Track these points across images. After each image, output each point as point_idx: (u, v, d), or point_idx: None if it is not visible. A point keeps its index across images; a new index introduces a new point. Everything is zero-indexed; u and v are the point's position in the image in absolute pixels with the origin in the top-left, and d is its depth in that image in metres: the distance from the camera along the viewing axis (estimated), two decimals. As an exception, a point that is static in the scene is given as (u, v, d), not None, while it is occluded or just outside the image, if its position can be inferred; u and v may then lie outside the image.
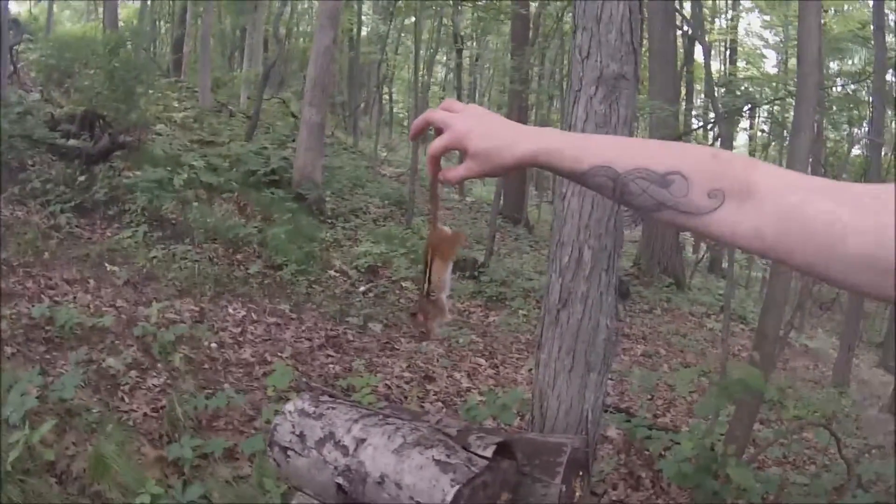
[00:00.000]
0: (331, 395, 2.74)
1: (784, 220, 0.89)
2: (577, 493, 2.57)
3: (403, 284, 9.86)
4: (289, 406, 2.62)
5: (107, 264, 7.66)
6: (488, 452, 2.24)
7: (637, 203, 1.01)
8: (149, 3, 27.62)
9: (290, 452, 2.49)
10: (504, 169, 1.13)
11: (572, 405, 3.43)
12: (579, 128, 3.36)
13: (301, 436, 2.48)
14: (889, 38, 15.33)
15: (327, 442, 2.39)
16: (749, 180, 0.92)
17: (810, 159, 14.81)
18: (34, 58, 16.10)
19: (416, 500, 2.12)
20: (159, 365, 5.59)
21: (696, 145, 1.07)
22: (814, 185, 0.90)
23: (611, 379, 7.67)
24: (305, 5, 32.75)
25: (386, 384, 6.44)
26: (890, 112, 18.43)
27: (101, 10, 26.33)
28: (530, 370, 7.66)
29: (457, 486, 2.06)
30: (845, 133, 23.11)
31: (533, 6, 19.76)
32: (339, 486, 2.30)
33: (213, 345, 6.35)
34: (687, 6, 22.83)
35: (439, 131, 1.18)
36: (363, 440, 2.32)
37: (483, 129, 1.13)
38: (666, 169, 0.97)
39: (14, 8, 23.40)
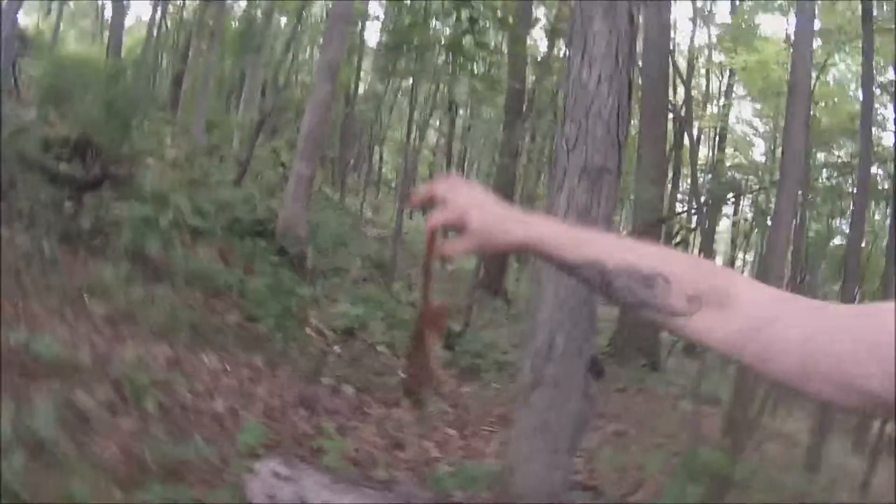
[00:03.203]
0: (301, 459, 2.79)
1: (758, 332, 0.96)
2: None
3: (379, 349, 9.87)
4: (261, 466, 2.66)
5: (86, 297, 7.64)
6: (457, 529, 2.30)
7: (620, 298, 1.08)
8: (155, 34, 27.86)
9: (261, 513, 2.53)
10: (499, 248, 1.18)
11: (541, 482, 3.49)
12: (561, 216, 3.46)
13: (272, 497, 2.53)
14: (875, 132, 15.71)
15: (298, 506, 2.44)
16: (728, 290, 1.01)
17: (791, 248, 15.05)
18: (35, 74, 16.17)
19: (383, 572, 2.17)
20: (131, 408, 5.58)
21: (680, 252, 1.17)
22: (790, 302, 0.99)
23: (580, 456, 7.69)
24: (307, 55, 33.16)
25: (356, 448, 6.43)
26: (872, 203, 18.80)
27: (106, 34, 26.58)
28: (501, 444, 7.67)
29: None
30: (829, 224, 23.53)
31: (530, 79, 20.11)
32: (307, 552, 2.35)
33: (187, 393, 6.34)
34: (681, 90, 23.30)
35: (429, 202, 1.24)
36: (334, 508, 2.38)
37: (484, 207, 1.17)
38: (650, 271, 1.04)
39: (21, 21, 23.52)
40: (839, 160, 22.39)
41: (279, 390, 7.37)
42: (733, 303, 1.00)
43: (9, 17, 11.03)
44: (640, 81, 14.82)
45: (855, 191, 15.73)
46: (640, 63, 12.98)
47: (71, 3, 35.84)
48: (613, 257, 1.07)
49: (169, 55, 30.25)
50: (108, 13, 29.77)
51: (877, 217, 22.13)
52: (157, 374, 6.20)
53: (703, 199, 12.70)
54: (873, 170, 16.02)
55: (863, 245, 16.25)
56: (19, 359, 5.56)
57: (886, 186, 18.46)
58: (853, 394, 0.91)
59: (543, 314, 3.51)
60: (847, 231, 17.97)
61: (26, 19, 29.52)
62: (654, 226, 14.56)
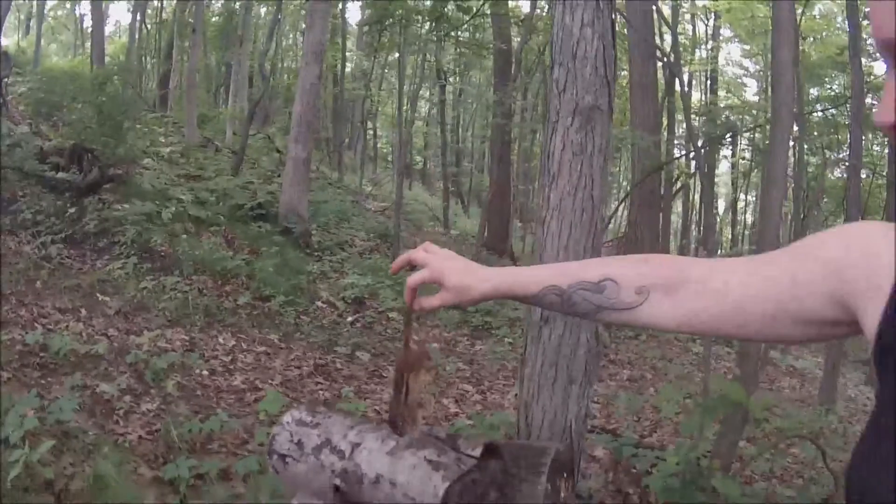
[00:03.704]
0: (326, 406, 2.86)
1: (704, 300, 1.10)
2: (562, 494, 2.69)
3: (390, 315, 9.97)
4: (286, 417, 2.73)
5: (98, 294, 7.76)
6: (476, 452, 2.37)
7: (581, 310, 1.23)
8: (136, 38, 27.78)
9: (288, 459, 2.60)
10: (472, 301, 1.35)
11: (556, 415, 3.56)
12: (557, 157, 3.51)
13: (299, 443, 2.59)
14: (865, 62, 15.65)
15: (324, 448, 2.51)
16: (676, 276, 1.14)
17: (791, 185, 15.08)
18: (23, 91, 16.22)
19: (410, 496, 2.24)
20: (152, 391, 5.69)
21: (632, 255, 1.30)
22: (731, 264, 1.11)
23: (597, 402, 7.79)
24: (290, 41, 33.04)
25: (375, 409, 6.54)
26: (870, 135, 18.76)
27: (88, 44, 26.56)
28: (517, 395, 7.76)
29: (448, 483, 2.19)
30: (827, 157, 23.45)
31: (515, 41, 20.06)
32: (336, 487, 2.42)
33: (205, 372, 6.45)
34: (668, 38, 23.18)
35: (407, 262, 1.44)
36: (358, 444, 2.44)
37: (456, 268, 1.35)
38: (599, 277, 1.20)
39: (2, 40, 23.48)
40: (832, 93, 22.30)
41: (296, 362, 7.49)
42: (682, 285, 1.13)
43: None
44: (625, 32, 14.80)
45: (849, 122, 15.68)
46: (624, 13, 12.95)
47: (49, 18, 35.83)
48: (565, 278, 1.24)
49: (153, 57, 30.17)
50: (87, 23, 29.62)
51: (875, 148, 22.08)
52: (175, 357, 6.31)
53: (699, 142, 12.67)
54: (868, 100, 15.97)
55: (863, 177, 16.23)
56: (38, 357, 5.68)
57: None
58: (812, 325, 1.01)
59: (548, 250, 3.57)
60: (846, 163, 17.92)
61: (6, 40, 29.41)
62: (654, 172, 14.59)
